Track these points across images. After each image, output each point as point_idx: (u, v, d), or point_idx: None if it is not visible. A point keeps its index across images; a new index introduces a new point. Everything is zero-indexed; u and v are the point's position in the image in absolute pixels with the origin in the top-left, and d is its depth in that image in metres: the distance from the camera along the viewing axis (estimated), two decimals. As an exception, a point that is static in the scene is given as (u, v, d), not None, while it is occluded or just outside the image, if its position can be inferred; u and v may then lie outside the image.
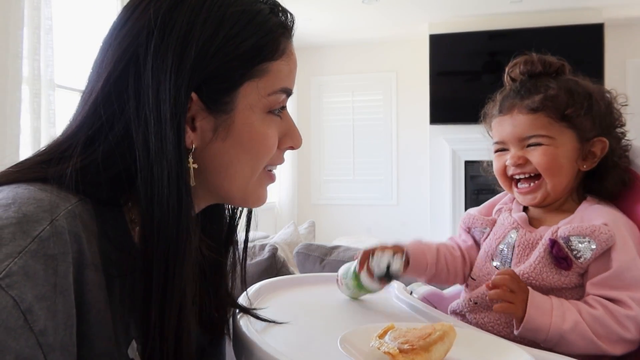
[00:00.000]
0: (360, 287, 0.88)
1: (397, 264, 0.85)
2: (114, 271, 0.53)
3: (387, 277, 0.85)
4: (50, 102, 2.54)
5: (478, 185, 5.04)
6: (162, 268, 0.53)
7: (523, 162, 0.88)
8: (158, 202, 0.53)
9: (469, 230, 1.02)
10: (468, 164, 5.09)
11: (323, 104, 5.84)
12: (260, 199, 0.65)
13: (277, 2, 0.61)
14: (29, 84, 2.46)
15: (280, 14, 0.61)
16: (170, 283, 0.53)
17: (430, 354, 0.57)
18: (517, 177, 0.91)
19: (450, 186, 5.12)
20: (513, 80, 0.96)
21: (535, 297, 0.79)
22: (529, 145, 0.88)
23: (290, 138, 0.64)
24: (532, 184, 0.89)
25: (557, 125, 0.87)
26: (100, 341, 0.50)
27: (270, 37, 0.58)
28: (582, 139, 0.87)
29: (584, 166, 0.88)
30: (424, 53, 5.12)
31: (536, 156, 0.87)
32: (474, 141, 4.82)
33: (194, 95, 0.55)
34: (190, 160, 0.56)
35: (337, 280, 0.92)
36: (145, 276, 0.53)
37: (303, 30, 5.17)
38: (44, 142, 2.51)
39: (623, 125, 0.91)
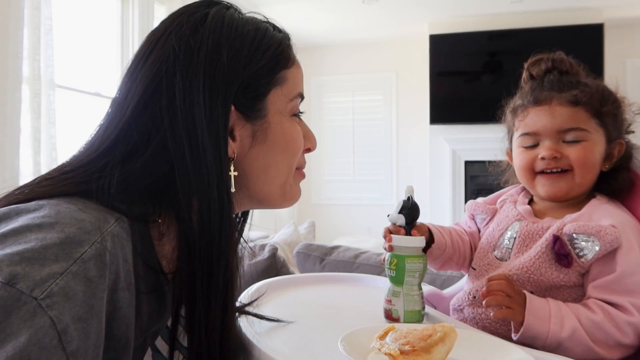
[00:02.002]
0: (399, 264, 0.79)
1: (410, 191, 0.85)
2: (142, 287, 0.55)
3: (411, 209, 0.84)
4: (50, 102, 2.54)
5: (478, 185, 5.04)
6: (206, 268, 0.58)
7: (559, 156, 0.86)
8: (201, 210, 0.57)
9: (472, 217, 1.03)
10: (468, 164, 5.10)
11: (323, 104, 5.84)
12: (296, 196, 0.71)
13: (274, 23, 0.68)
14: (29, 84, 2.46)
15: (280, 31, 0.68)
16: (215, 281, 0.58)
17: (431, 355, 0.57)
18: (547, 171, 0.88)
19: (450, 186, 5.12)
20: (532, 77, 0.93)
21: (533, 304, 0.78)
22: (565, 139, 0.86)
23: (308, 140, 0.71)
24: (561, 172, 0.86)
25: (593, 121, 0.86)
26: (124, 354, 0.53)
27: (281, 48, 0.65)
28: (609, 140, 0.87)
29: (605, 166, 0.88)
30: (424, 53, 5.12)
31: (575, 151, 0.85)
32: (474, 141, 4.83)
33: (232, 107, 0.60)
34: (232, 168, 0.61)
35: (384, 309, 0.82)
36: (189, 277, 0.58)
37: (303, 30, 5.17)
38: (44, 142, 2.51)
39: (632, 132, 0.91)
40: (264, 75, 0.63)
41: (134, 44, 3.41)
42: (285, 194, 0.69)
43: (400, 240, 0.81)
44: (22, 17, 2.36)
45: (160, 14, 3.64)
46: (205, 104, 0.58)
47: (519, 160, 0.91)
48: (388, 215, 0.86)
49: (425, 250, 0.86)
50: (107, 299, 0.49)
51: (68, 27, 2.96)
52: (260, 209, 0.73)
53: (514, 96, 0.95)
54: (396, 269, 0.80)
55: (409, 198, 0.85)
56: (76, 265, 0.46)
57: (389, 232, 0.84)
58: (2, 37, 2.28)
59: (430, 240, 0.92)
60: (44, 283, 0.44)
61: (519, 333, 0.77)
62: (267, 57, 0.63)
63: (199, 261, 0.58)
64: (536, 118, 0.88)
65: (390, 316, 0.80)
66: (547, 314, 0.77)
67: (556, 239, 0.82)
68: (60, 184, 0.55)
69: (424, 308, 0.81)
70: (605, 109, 0.86)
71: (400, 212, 0.85)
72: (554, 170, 0.87)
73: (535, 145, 0.89)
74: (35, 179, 0.58)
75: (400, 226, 0.84)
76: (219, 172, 0.58)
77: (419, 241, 0.82)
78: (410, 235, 0.83)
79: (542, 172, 0.88)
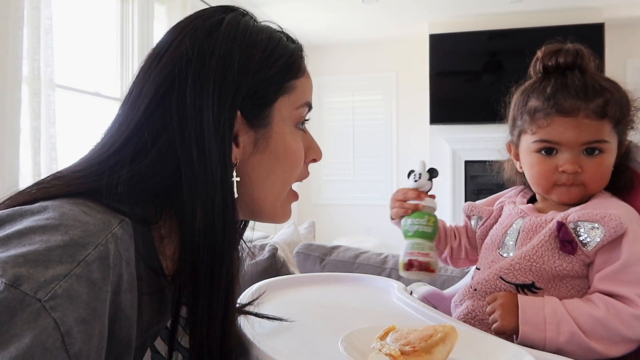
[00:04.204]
0: (435, 222, 0.93)
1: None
2: (144, 289, 0.55)
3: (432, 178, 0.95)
4: (50, 102, 2.54)
5: (478, 185, 5.04)
6: (209, 270, 0.58)
7: (581, 171, 0.84)
8: (205, 212, 0.58)
9: (468, 218, 1.04)
10: (468, 164, 5.09)
11: (323, 104, 5.84)
12: (287, 215, 0.72)
13: (287, 33, 0.69)
14: (29, 83, 2.45)
15: (293, 42, 0.69)
16: (217, 282, 0.59)
17: (431, 355, 0.57)
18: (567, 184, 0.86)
19: (450, 186, 5.12)
20: (546, 70, 0.89)
21: (526, 312, 0.77)
22: (586, 151, 0.84)
23: (312, 151, 0.71)
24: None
25: (614, 131, 0.85)
26: (125, 355, 0.53)
27: (293, 58, 0.66)
28: (619, 143, 0.87)
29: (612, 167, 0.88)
30: (424, 53, 5.12)
31: (594, 165, 0.84)
32: (474, 141, 4.83)
33: (238, 112, 0.61)
34: (234, 174, 0.61)
35: (421, 262, 0.90)
36: (191, 278, 0.58)
37: (303, 30, 5.18)
38: (44, 142, 2.51)
39: (637, 125, 0.90)
40: (273, 83, 0.64)
41: (134, 44, 3.41)
42: (276, 211, 0.69)
43: (433, 202, 0.94)
44: (21, 16, 2.36)
45: (160, 14, 3.64)
46: (214, 108, 0.58)
47: (536, 169, 0.88)
48: (415, 181, 0.95)
49: None
50: (110, 301, 0.49)
51: (68, 27, 2.95)
52: (252, 221, 0.73)
53: (519, 88, 0.92)
54: (433, 226, 0.91)
55: (432, 170, 0.95)
56: (80, 267, 0.46)
57: (420, 193, 0.94)
58: (1, 37, 2.28)
59: None
60: (48, 285, 0.44)
61: (517, 341, 0.76)
62: (278, 66, 0.64)
63: (201, 262, 0.58)
64: (561, 129, 0.84)
65: (428, 268, 0.89)
66: (542, 320, 0.76)
67: (560, 225, 0.81)
68: (69, 183, 0.56)
69: None
70: (626, 119, 0.85)
71: (430, 179, 0.95)
72: (572, 185, 0.86)
73: (551, 152, 0.86)
74: (48, 177, 0.58)
75: (425, 191, 0.95)
76: (224, 175, 0.59)
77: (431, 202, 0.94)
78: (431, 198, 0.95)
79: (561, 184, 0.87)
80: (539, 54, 0.90)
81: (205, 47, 0.60)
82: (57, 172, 0.59)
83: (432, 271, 0.88)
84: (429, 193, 0.96)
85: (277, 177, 0.66)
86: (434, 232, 0.91)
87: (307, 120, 0.70)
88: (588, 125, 0.83)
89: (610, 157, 0.86)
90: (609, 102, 0.84)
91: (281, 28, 0.69)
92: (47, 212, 0.49)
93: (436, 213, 0.95)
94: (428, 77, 5.07)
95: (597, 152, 0.84)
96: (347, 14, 4.88)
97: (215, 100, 0.58)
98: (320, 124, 5.78)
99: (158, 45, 0.63)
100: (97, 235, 0.49)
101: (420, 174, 0.95)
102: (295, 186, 0.72)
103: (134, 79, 0.63)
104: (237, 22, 0.63)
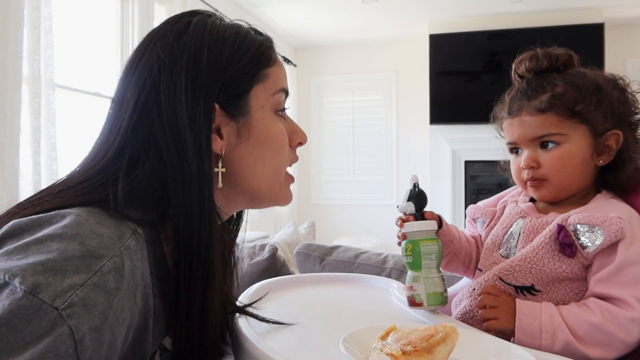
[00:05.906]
0: (414, 249, 0.81)
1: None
2: (156, 292, 0.57)
3: (418, 196, 0.85)
4: (50, 102, 2.53)
5: (478, 185, 5.04)
6: (187, 263, 0.60)
7: (536, 166, 0.86)
8: (184, 204, 0.59)
9: (474, 222, 1.03)
10: (468, 164, 5.09)
11: (323, 104, 5.84)
12: (288, 197, 0.73)
13: (256, 28, 0.72)
14: (29, 84, 2.45)
15: (261, 34, 0.71)
16: (194, 276, 0.60)
17: (432, 355, 0.56)
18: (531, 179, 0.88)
19: (450, 186, 5.12)
20: (520, 77, 0.93)
21: (522, 319, 0.77)
22: (541, 146, 0.86)
23: (297, 135, 0.73)
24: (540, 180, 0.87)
25: (568, 122, 0.84)
26: (138, 356, 0.55)
27: (262, 48, 0.69)
28: (596, 134, 0.85)
29: (600, 161, 0.86)
30: (424, 53, 5.12)
31: (551, 158, 0.85)
32: (474, 141, 4.83)
33: (216, 105, 0.63)
34: (220, 164, 0.64)
35: (407, 297, 0.83)
36: (175, 270, 0.60)
37: (303, 30, 5.18)
38: (44, 142, 2.50)
39: (639, 112, 0.87)
40: (245, 74, 0.66)
41: (134, 44, 3.39)
42: (276, 195, 0.71)
43: (412, 226, 0.83)
44: (21, 17, 2.35)
45: (160, 14, 3.64)
46: (187, 103, 0.61)
47: (511, 168, 0.94)
48: (398, 206, 0.87)
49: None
50: (125, 310, 0.50)
51: (68, 27, 2.95)
52: (257, 209, 0.74)
53: (503, 97, 0.95)
54: (412, 254, 0.81)
55: (414, 186, 0.86)
56: (96, 277, 0.48)
57: (401, 220, 0.85)
58: (1, 37, 2.28)
59: (439, 226, 0.93)
60: (65, 293, 0.45)
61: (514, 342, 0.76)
62: (247, 57, 0.66)
63: (181, 254, 0.60)
64: (511, 129, 0.90)
65: (414, 302, 0.81)
66: (537, 328, 0.75)
67: (560, 228, 0.80)
68: (76, 194, 0.57)
69: (445, 290, 0.82)
70: (581, 106, 0.83)
71: (408, 200, 0.86)
72: (534, 180, 0.88)
73: (520, 153, 0.91)
74: (54, 188, 0.59)
75: (410, 214, 0.85)
76: (200, 167, 0.61)
77: (430, 224, 0.83)
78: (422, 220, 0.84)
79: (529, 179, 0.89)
80: (513, 65, 0.95)
81: (176, 49, 0.63)
82: (59, 184, 0.61)
83: (418, 304, 0.80)
84: (425, 209, 0.86)
85: (267, 163, 0.68)
86: (415, 260, 0.81)
87: (286, 108, 0.72)
88: (529, 122, 0.87)
89: (572, 149, 0.84)
90: (556, 95, 0.85)
91: (249, 25, 0.71)
92: (63, 221, 0.51)
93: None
94: (428, 77, 5.07)
95: (552, 145, 0.85)
96: (347, 14, 4.88)
97: (189, 97, 0.61)
98: (320, 124, 5.78)
99: (133, 52, 0.66)
100: (111, 247, 0.51)
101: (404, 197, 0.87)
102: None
103: (117, 85, 0.66)
104: (204, 22, 0.66)
